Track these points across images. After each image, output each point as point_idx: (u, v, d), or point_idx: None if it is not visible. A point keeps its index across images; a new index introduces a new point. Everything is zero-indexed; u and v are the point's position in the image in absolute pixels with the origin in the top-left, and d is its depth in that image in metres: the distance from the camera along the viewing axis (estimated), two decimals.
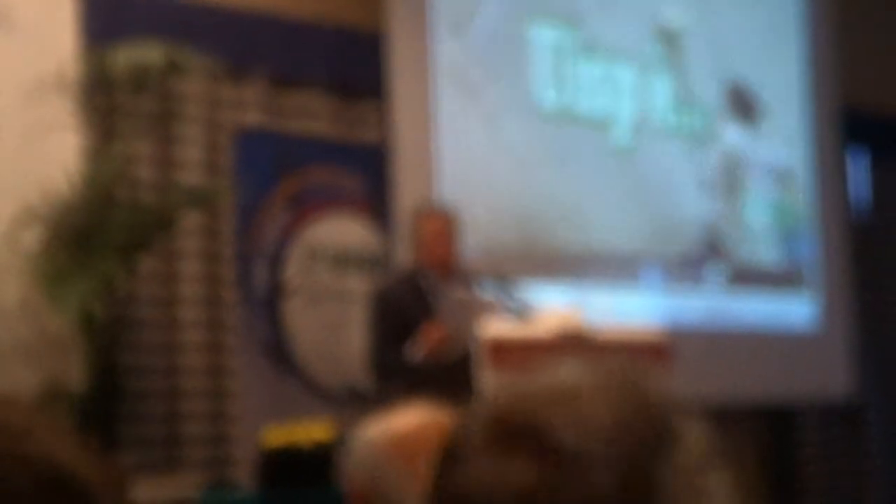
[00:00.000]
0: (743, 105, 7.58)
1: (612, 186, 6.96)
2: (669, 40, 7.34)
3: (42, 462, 0.90)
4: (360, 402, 5.54)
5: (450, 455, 0.82)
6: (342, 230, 6.19)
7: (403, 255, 5.71)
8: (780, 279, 7.67)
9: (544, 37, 6.83)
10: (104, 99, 5.43)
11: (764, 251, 7.63)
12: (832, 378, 7.75)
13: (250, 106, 6.05)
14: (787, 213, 7.76)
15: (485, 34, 6.61)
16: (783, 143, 7.80)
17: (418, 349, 4.82)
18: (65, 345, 5.09)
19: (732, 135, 7.57)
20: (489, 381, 4.50)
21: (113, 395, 5.22)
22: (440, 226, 5.19)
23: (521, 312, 5.01)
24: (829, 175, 7.98)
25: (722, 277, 7.38)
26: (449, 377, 4.58)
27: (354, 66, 6.32)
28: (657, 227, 7.14)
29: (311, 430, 4.78)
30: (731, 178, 7.51)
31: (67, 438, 0.94)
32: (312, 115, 6.24)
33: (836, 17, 8.08)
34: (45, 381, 5.01)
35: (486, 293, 5.17)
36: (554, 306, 5.20)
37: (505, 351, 4.55)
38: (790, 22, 7.97)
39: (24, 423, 0.93)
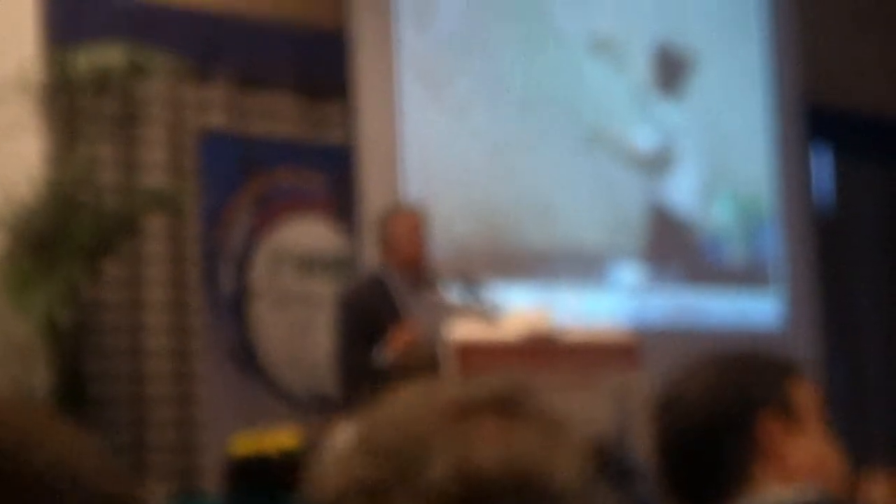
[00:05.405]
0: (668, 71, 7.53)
1: (578, 183, 6.95)
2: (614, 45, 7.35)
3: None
4: (327, 407, 5.51)
5: None
6: (308, 232, 6.16)
7: (370, 256, 5.68)
8: (745, 277, 7.69)
9: (509, 29, 6.81)
10: (66, 101, 5.37)
11: (728, 249, 7.65)
12: None
13: (214, 107, 6.01)
14: (751, 211, 7.78)
15: (449, 27, 6.58)
16: (747, 138, 7.82)
17: (386, 352, 4.79)
18: (29, 350, 5.04)
19: (677, 117, 7.55)
20: None
21: (78, 402, 5.17)
22: (411, 225, 5.16)
23: (489, 314, 4.99)
24: (793, 171, 8.00)
25: (686, 270, 7.39)
26: (416, 381, 4.54)
27: (319, 66, 6.28)
28: (622, 222, 7.13)
29: (278, 438, 4.74)
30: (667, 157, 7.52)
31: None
32: (277, 115, 6.20)
33: (800, 13, 8.10)
34: (8, 387, 4.96)
35: (454, 295, 5.14)
36: (522, 308, 5.18)
37: (473, 353, 4.52)
38: (753, 18, 7.98)
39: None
